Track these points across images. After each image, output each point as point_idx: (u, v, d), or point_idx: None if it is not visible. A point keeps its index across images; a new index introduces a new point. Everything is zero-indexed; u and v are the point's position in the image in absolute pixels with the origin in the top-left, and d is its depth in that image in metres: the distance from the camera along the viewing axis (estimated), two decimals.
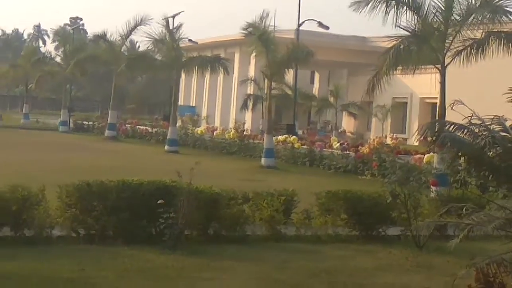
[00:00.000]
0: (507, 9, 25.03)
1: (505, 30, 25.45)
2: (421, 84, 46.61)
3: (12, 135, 49.40)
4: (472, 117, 10.41)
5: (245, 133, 45.49)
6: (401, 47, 26.58)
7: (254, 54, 40.06)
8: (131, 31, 51.13)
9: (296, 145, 37.55)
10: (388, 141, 40.77)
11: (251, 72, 53.84)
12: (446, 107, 22.15)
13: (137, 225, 12.29)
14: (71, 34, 74.24)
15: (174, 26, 46.16)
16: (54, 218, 12.48)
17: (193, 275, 10.16)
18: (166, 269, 10.48)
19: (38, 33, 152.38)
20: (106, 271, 10.13)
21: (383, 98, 43.92)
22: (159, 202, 12.08)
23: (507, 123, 10.34)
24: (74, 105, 71.84)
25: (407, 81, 44.64)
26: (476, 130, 9.99)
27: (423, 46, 25.99)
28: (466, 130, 10.13)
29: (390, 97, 51.28)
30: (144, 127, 56.46)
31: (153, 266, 10.59)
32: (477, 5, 25.28)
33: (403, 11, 25.77)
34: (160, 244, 11.84)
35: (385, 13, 25.99)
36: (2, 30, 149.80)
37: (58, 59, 71.76)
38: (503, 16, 25.22)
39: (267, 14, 36.18)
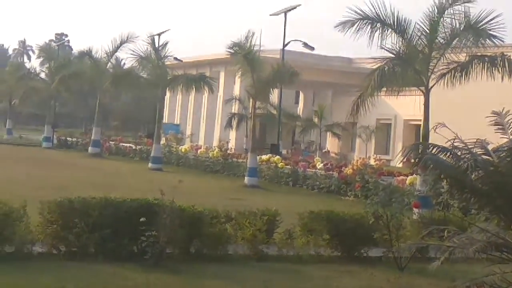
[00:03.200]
0: (491, 32, 25.21)
1: (488, 54, 25.63)
2: (405, 106, 46.57)
3: None
4: (455, 140, 10.48)
5: (228, 151, 45.50)
6: (386, 69, 26.73)
7: (239, 73, 40.05)
8: (116, 48, 50.97)
9: (279, 165, 37.50)
10: (372, 162, 40.88)
11: (236, 91, 53.98)
12: (430, 129, 22.30)
13: (119, 243, 12.19)
14: (56, 50, 74.13)
15: (160, 44, 46.10)
16: (35, 234, 12.38)
17: None
18: (147, 287, 10.44)
19: (23, 48, 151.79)
20: None
21: (367, 119, 44.04)
22: (141, 220, 12.07)
23: (490, 147, 10.41)
24: (58, 121, 71.64)
25: (392, 102, 44.89)
26: (459, 153, 10.06)
27: (408, 69, 26.14)
28: (449, 153, 10.21)
29: (374, 118, 51.49)
30: (128, 144, 56.26)
31: (134, 284, 10.53)
32: (461, 29, 25.45)
33: (388, 33, 25.95)
34: (142, 262, 11.79)
35: (370, 35, 26.17)
36: None
37: (43, 75, 71.13)
38: (487, 40, 25.41)
39: (253, 34, 36.27)
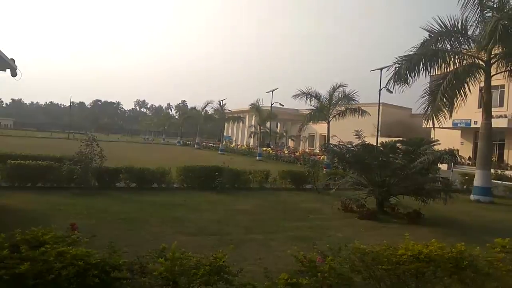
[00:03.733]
0: (353, 98, 25.21)
1: (352, 107, 25.53)
2: (320, 127, 46.44)
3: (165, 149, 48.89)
4: (340, 141, 10.39)
5: (250, 146, 45.27)
6: (311, 113, 26.72)
7: (254, 115, 39.98)
8: (205, 106, 50.69)
9: (270, 151, 37.39)
10: (307, 150, 40.67)
11: (253, 122, 53.40)
12: (330, 137, 22.15)
13: (207, 182, 12.11)
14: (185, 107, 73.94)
15: (223, 103, 45.89)
16: (174, 179, 12.31)
17: (229, 202, 10.09)
18: (217, 200, 10.39)
19: (169, 106, 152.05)
20: (195, 200, 10.07)
21: (305, 133, 43.81)
22: (215, 174, 12.05)
23: (354, 144, 10.30)
24: (184, 136, 70.80)
25: (315, 126, 44.36)
26: (341, 146, 9.98)
27: (320, 113, 26.05)
28: (337, 146, 10.12)
29: (308, 133, 51.10)
30: (211, 144, 55.52)
31: (212, 199, 10.50)
32: (342, 96, 25.37)
33: (312, 99, 25.94)
34: (215, 190, 11.72)
35: (306, 99, 26.16)
36: (153, 106, 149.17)
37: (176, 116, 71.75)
38: (352, 101, 25.34)
39: (258, 99, 36.34)
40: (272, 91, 37.99)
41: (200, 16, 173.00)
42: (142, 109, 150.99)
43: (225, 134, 63.93)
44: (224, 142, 47.26)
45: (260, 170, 14.12)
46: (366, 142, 9.70)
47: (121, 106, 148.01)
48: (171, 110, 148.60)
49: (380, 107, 29.51)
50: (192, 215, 8.17)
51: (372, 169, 9.22)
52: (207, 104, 48.64)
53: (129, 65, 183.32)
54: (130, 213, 7.91)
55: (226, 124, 57.26)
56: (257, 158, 32.82)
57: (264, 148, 39.09)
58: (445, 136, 35.67)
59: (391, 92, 16.10)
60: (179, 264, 3.14)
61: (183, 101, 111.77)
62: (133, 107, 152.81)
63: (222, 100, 44.30)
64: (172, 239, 5.18)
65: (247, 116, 59.09)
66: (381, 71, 21.34)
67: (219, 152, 39.63)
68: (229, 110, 46.98)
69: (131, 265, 3.18)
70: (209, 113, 50.33)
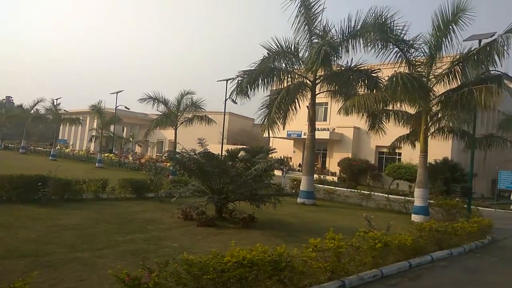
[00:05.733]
0: (201, 106, 25.67)
1: (200, 114, 26.01)
2: (170, 133, 45.80)
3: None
4: (183, 149, 10.36)
5: (91, 151, 41.25)
6: (159, 118, 26.14)
7: (95, 118, 36.53)
8: (35, 104, 43.51)
9: (112, 157, 34.89)
10: (154, 156, 39.54)
11: (94, 125, 48.84)
12: (176, 143, 22.00)
13: (28, 194, 10.43)
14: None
15: (57, 103, 40.05)
16: None
17: (54, 216, 8.86)
18: (38, 214, 9.02)
19: None
20: (10, 215, 8.46)
21: (153, 138, 42.60)
22: (39, 184, 10.47)
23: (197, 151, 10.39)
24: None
25: (164, 132, 43.58)
26: (184, 154, 9.95)
27: (168, 119, 25.68)
28: (180, 154, 10.05)
29: (156, 138, 49.82)
30: (42, 148, 48.15)
31: (32, 214, 9.06)
32: (190, 104, 25.56)
33: (159, 104, 25.43)
34: (38, 203, 10.21)
35: (153, 105, 25.45)
36: None
37: None
38: (199, 109, 25.79)
39: (101, 101, 33.38)
40: (117, 92, 35.70)
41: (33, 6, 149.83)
42: None
43: (60, 137, 56.97)
44: (57, 146, 41.76)
45: (97, 179, 12.93)
46: (208, 150, 9.90)
47: None
48: None
49: (227, 116, 30.97)
50: (2, 233, 6.86)
51: (212, 176, 9.45)
52: (38, 102, 42.03)
53: None
54: None
55: (62, 126, 50.92)
56: (96, 164, 30.05)
57: (106, 154, 36.29)
58: (282, 145, 39.83)
59: (235, 103, 16.96)
60: None
61: (8, 97, 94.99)
62: None
63: (57, 99, 39.16)
64: None
65: (88, 118, 54.02)
66: (226, 82, 22.38)
67: (50, 157, 34.90)
68: (65, 110, 41.68)
69: None
70: (41, 112, 43.45)
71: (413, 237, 7.38)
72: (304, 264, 5.08)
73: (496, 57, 11.76)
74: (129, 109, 36.67)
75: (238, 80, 15.08)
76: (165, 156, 19.98)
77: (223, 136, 27.58)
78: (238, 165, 9.58)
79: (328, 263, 5.42)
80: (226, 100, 21.23)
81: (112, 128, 39.77)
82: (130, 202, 12.12)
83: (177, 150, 11.10)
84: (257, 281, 4.44)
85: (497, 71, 13.18)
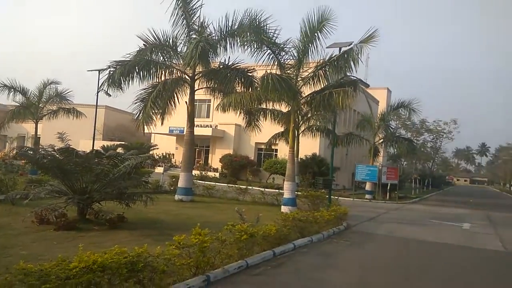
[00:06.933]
0: (68, 98, 23.22)
1: (67, 107, 23.52)
2: (32, 127, 40.28)
3: None
4: (40, 144, 9.19)
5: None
6: (16, 110, 22.78)
7: None
8: None
9: None
10: (12, 153, 34.33)
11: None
12: (39, 140, 19.48)
13: None
14: None
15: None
16: None
17: None
18: None
19: None
20: None
21: (11, 133, 36.73)
22: None
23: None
24: None
25: (26, 125, 38.20)
26: (37, 151, 8.84)
27: (27, 111, 22.50)
28: (33, 150, 8.90)
29: (16, 133, 43.29)
30: None
31: None
32: (54, 94, 22.83)
33: (17, 93, 22.13)
34: None
35: (9, 93, 22.02)
36: None
37: None
38: (66, 100, 23.29)
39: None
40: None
41: None
42: None
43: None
44: None
45: None
46: (69, 146, 8.95)
47: None
48: None
49: (103, 110, 28.67)
50: None
51: (73, 174, 8.58)
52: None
53: None
54: None
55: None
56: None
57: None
58: (164, 141, 38.79)
59: (109, 95, 15.78)
60: None
61: None
62: None
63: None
64: None
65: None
66: (99, 72, 20.70)
67: None
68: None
69: None
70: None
71: (278, 227, 7.85)
72: (166, 262, 4.95)
73: (352, 63, 13.31)
74: None
75: (110, 71, 14.05)
76: (16, 152, 17.48)
77: (94, 131, 25.45)
78: (105, 162, 8.88)
79: (192, 259, 5.39)
80: (98, 92, 19.63)
81: None
82: None
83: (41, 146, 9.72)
84: (111, 286, 4.15)
85: (354, 76, 15.02)
